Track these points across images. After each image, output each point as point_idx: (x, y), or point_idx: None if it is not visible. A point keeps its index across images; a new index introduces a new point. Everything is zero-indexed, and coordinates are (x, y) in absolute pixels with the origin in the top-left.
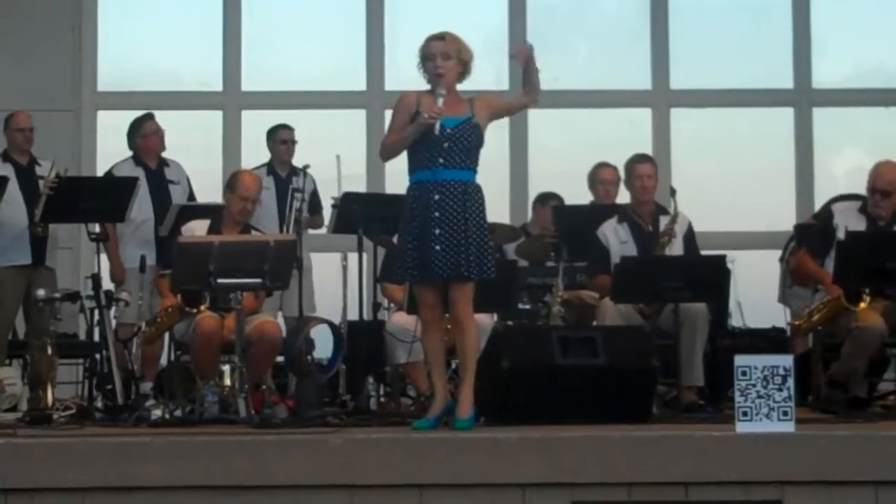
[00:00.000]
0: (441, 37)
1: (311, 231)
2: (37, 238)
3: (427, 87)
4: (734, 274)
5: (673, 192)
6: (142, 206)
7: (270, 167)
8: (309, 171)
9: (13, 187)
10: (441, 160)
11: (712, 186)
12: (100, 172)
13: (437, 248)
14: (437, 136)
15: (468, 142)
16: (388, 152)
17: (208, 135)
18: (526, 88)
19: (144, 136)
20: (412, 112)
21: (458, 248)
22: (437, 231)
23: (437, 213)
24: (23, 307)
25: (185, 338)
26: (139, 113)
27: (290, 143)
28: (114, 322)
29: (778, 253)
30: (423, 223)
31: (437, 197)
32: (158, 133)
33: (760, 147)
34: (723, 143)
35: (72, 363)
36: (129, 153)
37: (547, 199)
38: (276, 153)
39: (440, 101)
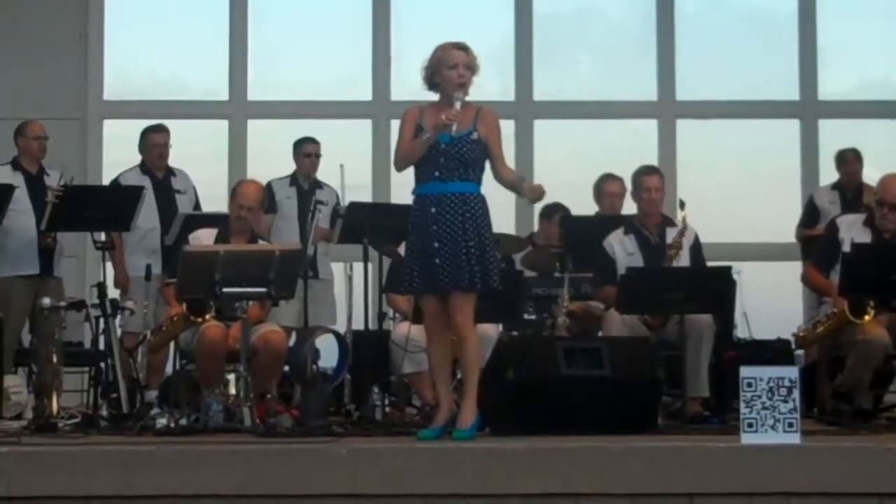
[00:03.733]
0: (463, 47)
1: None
2: (45, 248)
3: (427, 99)
4: (740, 285)
5: (682, 204)
6: (148, 214)
7: (294, 178)
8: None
9: (23, 196)
10: (437, 173)
11: (718, 198)
12: (106, 181)
13: (437, 260)
14: (433, 151)
15: (465, 156)
16: (403, 161)
17: (214, 144)
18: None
19: (155, 146)
20: (416, 126)
21: (457, 260)
22: (436, 244)
23: (434, 227)
24: (28, 316)
25: (191, 346)
26: (145, 122)
27: (313, 157)
28: (119, 331)
29: (784, 265)
30: (424, 236)
31: (433, 210)
32: (167, 144)
33: (766, 159)
34: (729, 155)
35: (77, 371)
36: (135, 162)
37: (552, 212)
38: (300, 166)
39: (457, 105)
